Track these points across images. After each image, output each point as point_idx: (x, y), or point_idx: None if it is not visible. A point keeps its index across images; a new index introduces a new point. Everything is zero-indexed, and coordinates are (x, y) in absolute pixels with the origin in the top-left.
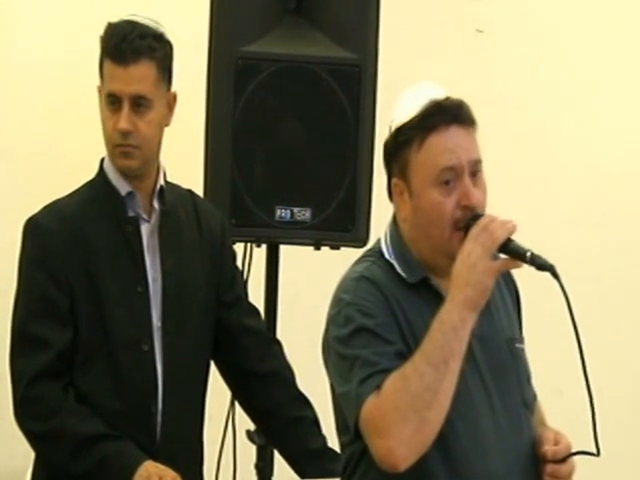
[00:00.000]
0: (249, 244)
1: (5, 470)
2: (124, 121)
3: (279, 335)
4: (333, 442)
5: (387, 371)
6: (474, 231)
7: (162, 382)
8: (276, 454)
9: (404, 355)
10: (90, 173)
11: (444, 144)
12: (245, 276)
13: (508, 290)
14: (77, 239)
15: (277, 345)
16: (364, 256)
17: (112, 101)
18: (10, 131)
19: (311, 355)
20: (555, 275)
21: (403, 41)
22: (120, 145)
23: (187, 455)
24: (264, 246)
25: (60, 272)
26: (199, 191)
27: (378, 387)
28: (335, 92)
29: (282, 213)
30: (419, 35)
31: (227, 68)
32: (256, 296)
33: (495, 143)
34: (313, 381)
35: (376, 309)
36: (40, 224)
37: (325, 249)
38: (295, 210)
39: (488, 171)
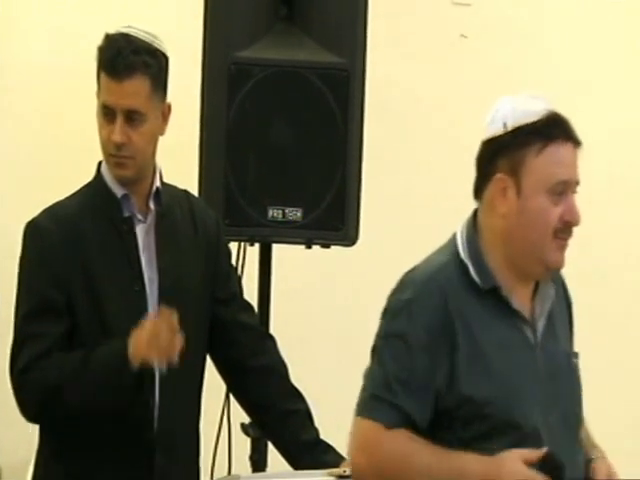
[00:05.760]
0: (242, 243)
1: (9, 463)
2: (117, 134)
3: (272, 330)
4: (326, 435)
5: (400, 412)
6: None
7: (159, 377)
8: (270, 446)
9: (427, 386)
10: (89, 176)
11: (563, 157)
12: (239, 274)
13: (566, 303)
14: (75, 240)
15: (270, 340)
16: (445, 247)
17: (106, 112)
18: (13, 136)
19: (303, 350)
20: None
21: (390, 46)
22: (114, 155)
23: (184, 447)
24: (257, 245)
25: (58, 272)
26: (194, 192)
27: (387, 427)
28: (324, 95)
29: (274, 213)
30: (405, 40)
31: (221, 72)
32: (250, 293)
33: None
34: (305, 375)
35: (427, 323)
36: (39, 226)
37: (316, 248)
38: (287, 210)
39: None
